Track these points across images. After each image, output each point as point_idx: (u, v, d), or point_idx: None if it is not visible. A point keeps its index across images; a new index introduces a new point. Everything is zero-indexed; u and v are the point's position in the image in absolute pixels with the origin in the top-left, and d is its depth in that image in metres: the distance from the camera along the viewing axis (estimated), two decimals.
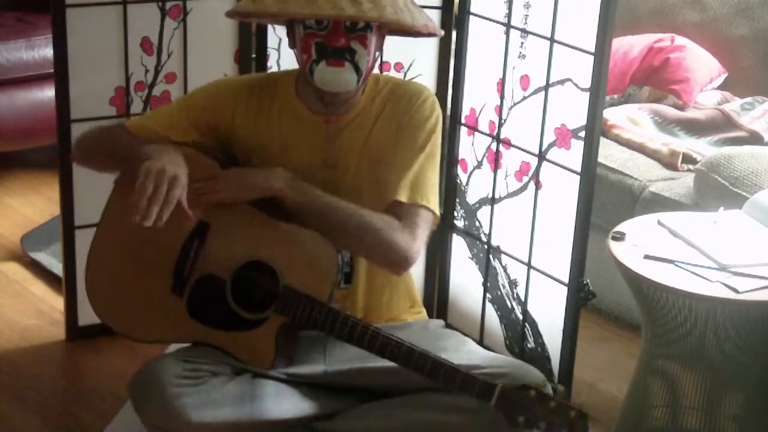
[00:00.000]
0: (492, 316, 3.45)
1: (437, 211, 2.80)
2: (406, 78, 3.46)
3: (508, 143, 3.31)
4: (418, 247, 2.72)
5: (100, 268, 2.89)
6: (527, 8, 3.19)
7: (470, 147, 3.44)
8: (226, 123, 2.83)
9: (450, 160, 3.50)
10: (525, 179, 3.27)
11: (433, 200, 2.79)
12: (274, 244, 2.73)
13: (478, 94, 3.40)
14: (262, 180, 2.73)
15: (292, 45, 2.80)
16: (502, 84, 3.29)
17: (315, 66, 2.69)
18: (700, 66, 4.11)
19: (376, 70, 3.44)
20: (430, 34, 2.83)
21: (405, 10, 2.70)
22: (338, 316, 2.68)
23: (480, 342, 3.39)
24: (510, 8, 3.23)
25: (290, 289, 2.70)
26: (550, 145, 3.18)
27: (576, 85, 3.09)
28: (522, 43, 3.22)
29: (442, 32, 2.81)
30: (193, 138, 2.83)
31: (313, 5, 2.63)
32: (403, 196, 2.74)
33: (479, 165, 3.42)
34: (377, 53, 2.77)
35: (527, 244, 3.29)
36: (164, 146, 2.73)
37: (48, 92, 4.22)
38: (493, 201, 3.39)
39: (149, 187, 2.58)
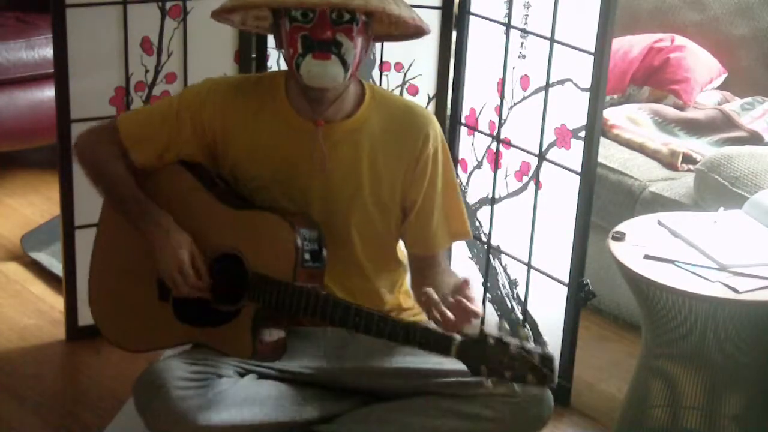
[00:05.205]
0: (492, 317, 3.45)
1: (469, 230, 2.92)
2: (406, 78, 3.46)
3: (508, 143, 3.31)
4: None
5: (98, 285, 2.93)
6: (527, 8, 3.19)
7: (470, 147, 3.44)
8: (215, 127, 2.78)
9: None
10: (525, 179, 3.27)
11: (467, 223, 2.91)
12: (237, 232, 2.72)
13: (478, 94, 3.39)
14: None
15: (278, 45, 2.75)
16: (502, 84, 3.29)
17: (301, 60, 2.66)
18: (700, 66, 4.10)
19: (375, 72, 3.46)
20: (417, 34, 2.79)
21: (390, 1, 2.67)
22: (302, 294, 2.64)
23: None
24: (510, 8, 3.23)
25: (257, 275, 2.69)
26: (550, 145, 3.18)
27: (576, 85, 3.09)
28: (522, 43, 3.22)
29: (430, 29, 2.79)
30: (191, 152, 2.80)
31: None
32: (449, 242, 2.93)
33: (479, 165, 3.42)
34: (364, 53, 2.72)
35: (527, 244, 3.29)
36: (166, 221, 2.75)
37: (48, 92, 4.21)
38: (493, 201, 3.39)
39: (183, 287, 2.70)
